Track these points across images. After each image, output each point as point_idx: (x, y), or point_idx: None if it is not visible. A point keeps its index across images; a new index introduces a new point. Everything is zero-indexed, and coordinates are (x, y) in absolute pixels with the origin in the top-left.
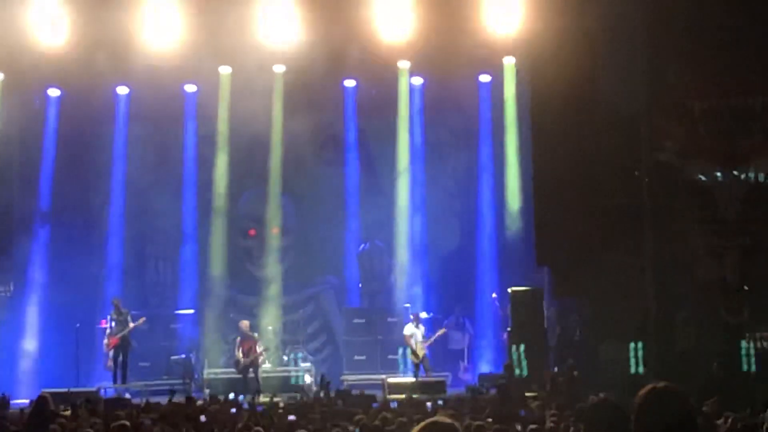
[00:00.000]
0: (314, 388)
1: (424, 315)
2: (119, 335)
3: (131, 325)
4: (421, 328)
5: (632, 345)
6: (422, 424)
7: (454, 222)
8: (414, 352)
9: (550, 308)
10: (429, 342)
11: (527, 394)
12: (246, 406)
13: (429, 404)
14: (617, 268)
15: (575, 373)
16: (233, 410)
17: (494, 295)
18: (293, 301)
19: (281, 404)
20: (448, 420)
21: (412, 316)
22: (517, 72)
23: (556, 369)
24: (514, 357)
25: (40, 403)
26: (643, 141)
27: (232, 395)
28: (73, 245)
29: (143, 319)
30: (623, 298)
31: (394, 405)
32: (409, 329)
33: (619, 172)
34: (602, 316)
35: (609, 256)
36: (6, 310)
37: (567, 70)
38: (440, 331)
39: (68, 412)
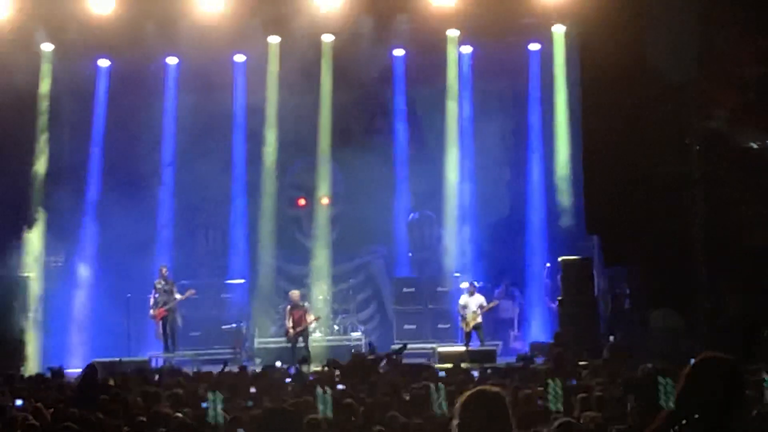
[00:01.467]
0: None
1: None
2: (166, 307)
3: (178, 296)
4: (478, 297)
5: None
6: (469, 392)
7: (503, 191)
8: (465, 321)
9: (600, 277)
10: (484, 310)
11: (579, 363)
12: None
13: (476, 373)
14: (667, 237)
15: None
16: (288, 380)
17: (548, 264)
18: (343, 271)
19: (337, 373)
20: (494, 389)
21: (468, 285)
22: (567, 40)
23: (611, 338)
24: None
25: (89, 372)
26: (693, 108)
27: (278, 363)
28: (124, 215)
29: (192, 291)
30: (673, 266)
31: (441, 374)
32: (462, 299)
33: (670, 139)
34: (652, 285)
35: (659, 225)
36: (58, 281)
37: (617, 38)
38: (492, 303)
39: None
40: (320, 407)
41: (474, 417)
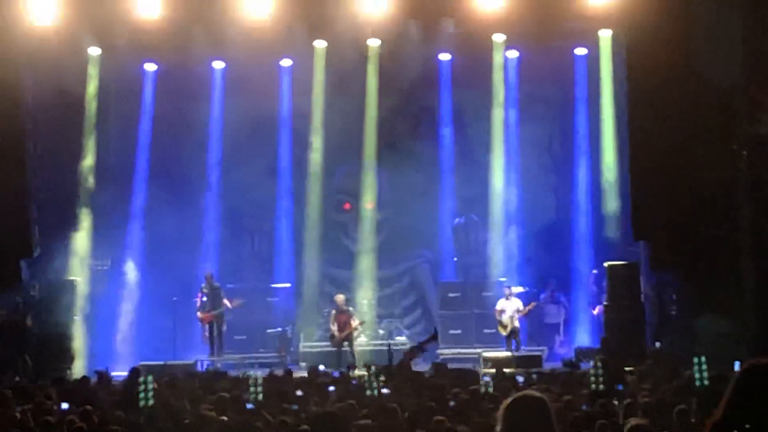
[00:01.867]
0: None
1: (519, 289)
2: (213, 313)
3: (227, 304)
4: (515, 301)
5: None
6: (512, 397)
7: (549, 196)
8: (502, 325)
9: (646, 283)
10: (520, 315)
11: (625, 368)
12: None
13: (521, 378)
14: (715, 242)
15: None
16: (331, 388)
17: (594, 271)
18: (388, 275)
19: (382, 378)
20: (538, 394)
21: (506, 290)
22: (613, 44)
23: (658, 344)
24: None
25: (133, 376)
26: (741, 113)
27: (322, 367)
28: (170, 219)
29: (241, 302)
30: (721, 271)
31: (486, 379)
32: (499, 304)
33: (717, 144)
34: (699, 291)
35: (706, 230)
36: (104, 284)
37: (663, 43)
38: (531, 305)
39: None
40: (251, 389)
41: (517, 422)
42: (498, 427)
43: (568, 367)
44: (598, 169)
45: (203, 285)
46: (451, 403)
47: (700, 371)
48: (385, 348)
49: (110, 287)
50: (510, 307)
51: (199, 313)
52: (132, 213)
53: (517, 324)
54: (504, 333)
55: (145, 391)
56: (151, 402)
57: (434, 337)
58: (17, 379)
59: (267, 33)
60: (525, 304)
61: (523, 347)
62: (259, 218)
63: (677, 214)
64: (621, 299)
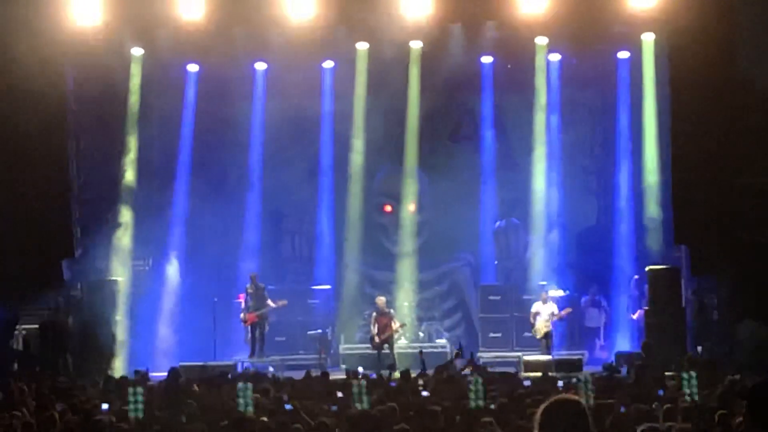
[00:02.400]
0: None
1: (560, 293)
2: (257, 313)
3: (271, 304)
4: (550, 305)
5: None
6: (549, 400)
7: (590, 199)
8: (535, 329)
9: (688, 287)
10: (554, 319)
11: (666, 373)
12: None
13: (561, 383)
14: (757, 247)
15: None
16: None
17: (636, 276)
18: (428, 278)
19: (420, 381)
20: (574, 397)
21: (542, 294)
22: (656, 48)
23: (699, 349)
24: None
25: (171, 377)
26: None
27: (361, 369)
28: (210, 219)
29: (285, 302)
30: (762, 277)
31: (527, 383)
32: (535, 307)
33: (761, 149)
34: (741, 296)
35: (748, 234)
36: (144, 284)
37: (707, 47)
38: (566, 310)
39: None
40: (240, 401)
41: (554, 425)
42: (535, 431)
43: (608, 372)
44: (639, 173)
45: (248, 285)
46: (492, 406)
47: (690, 387)
48: (419, 353)
49: (151, 287)
50: (545, 311)
51: (242, 314)
52: (173, 213)
53: (550, 327)
54: (537, 336)
55: (135, 403)
56: (141, 414)
57: (458, 355)
58: (61, 379)
59: (309, 35)
60: (562, 308)
61: (563, 351)
62: (299, 219)
63: (719, 219)
64: (662, 304)
